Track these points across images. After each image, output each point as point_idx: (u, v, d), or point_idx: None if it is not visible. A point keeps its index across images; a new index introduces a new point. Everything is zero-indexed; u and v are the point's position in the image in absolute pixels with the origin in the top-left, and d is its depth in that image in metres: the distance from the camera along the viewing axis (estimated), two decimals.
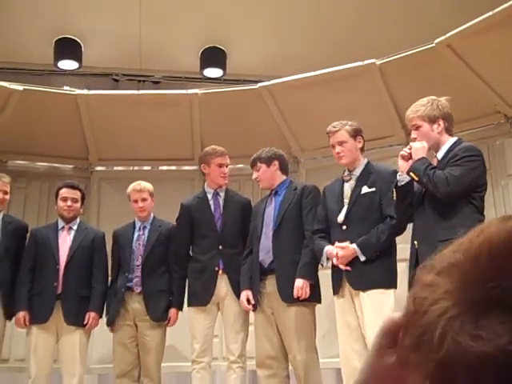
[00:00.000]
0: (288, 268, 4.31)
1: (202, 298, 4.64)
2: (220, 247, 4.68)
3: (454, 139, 3.71)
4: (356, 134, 4.20)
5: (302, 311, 4.31)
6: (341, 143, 4.17)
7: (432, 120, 3.69)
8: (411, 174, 3.55)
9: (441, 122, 3.69)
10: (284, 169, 4.66)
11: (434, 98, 3.75)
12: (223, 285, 4.63)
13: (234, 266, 4.63)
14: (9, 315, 4.86)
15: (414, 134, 3.76)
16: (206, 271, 4.67)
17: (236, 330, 4.58)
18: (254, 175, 4.62)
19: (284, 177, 4.64)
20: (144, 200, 4.97)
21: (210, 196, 4.87)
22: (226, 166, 4.84)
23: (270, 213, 4.53)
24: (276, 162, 4.60)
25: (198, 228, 4.79)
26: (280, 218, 4.45)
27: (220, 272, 4.63)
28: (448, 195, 3.46)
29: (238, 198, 4.92)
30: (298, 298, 4.21)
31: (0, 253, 4.85)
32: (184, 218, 4.88)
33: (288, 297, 4.25)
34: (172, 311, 4.79)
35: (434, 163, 3.67)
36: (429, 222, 3.57)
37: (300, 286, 4.20)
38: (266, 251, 4.42)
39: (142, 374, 4.80)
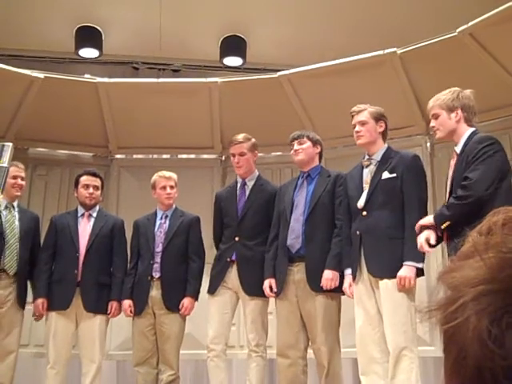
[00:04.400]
0: (318, 256, 4.29)
1: (213, 285, 4.69)
2: (236, 238, 4.68)
3: (470, 130, 3.67)
4: (379, 117, 4.18)
5: (329, 301, 4.30)
6: (362, 123, 4.16)
7: (450, 109, 3.68)
8: (442, 226, 3.50)
9: (459, 112, 3.67)
10: (321, 157, 4.70)
11: (457, 89, 3.75)
12: (235, 275, 4.64)
13: (247, 259, 4.63)
14: (22, 304, 4.87)
15: (432, 123, 3.79)
16: (222, 260, 4.70)
17: (252, 319, 4.58)
18: (297, 146, 4.55)
19: (317, 163, 4.65)
20: (172, 188, 5.02)
21: (238, 185, 4.87)
22: (240, 155, 4.78)
23: (302, 196, 4.49)
24: (319, 147, 4.63)
25: (224, 217, 4.83)
26: (313, 204, 4.41)
27: (233, 263, 4.66)
28: (474, 196, 3.40)
29: (267, 188, 4.86)
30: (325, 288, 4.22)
31: (21, 240, 4.90)
32: (216, 208, 4.93)
33: (317, 286, 4.25)
34: (186, 299, 4.80)
35: (454, 158, 3.67)
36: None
37: (330, 277, 4.20)
38: (295, 236, 4.38)
39: (161, 361, 4.83)
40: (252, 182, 4.85)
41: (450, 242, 3.51)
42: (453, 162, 3.69)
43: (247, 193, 4.82)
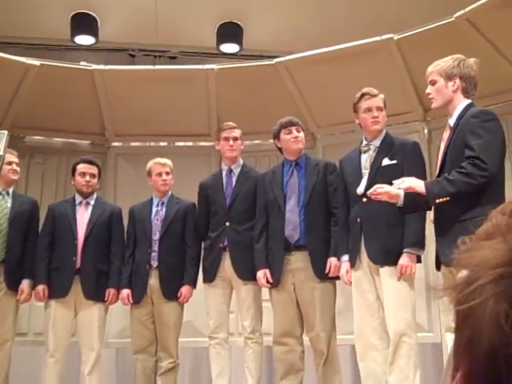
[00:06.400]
0: (319, 244, 4.32)
1: (210, 274, 4.70)
2: (227, 224, 4.69)
3: (466, 102, 3.50)
4: (385, 106, 4.18)
5: (329, 288, 4.33)
6: (379, 109, 4.12)
7: (449, 77, 3.52)
8: (438, 200, 3.29)
9: (457, 81, 3.50)
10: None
11: (460, 56, 3.59)
12: (228, 262, 4.65)
13: (239, 244, 4.64)
14: (15, 290, 4.83)
15: (428, 89, 3.62)
16: (214, 248, 4.70)
17: (246, 306, 4.61)
18: (295, 133, 4.51)
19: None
20: (168, 174, 5.02)
21: (224, 173, 4.87)
22: (234, 139, 4.80)
23: (294, 186, 4.48)
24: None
25: (211, 205, 4.82)
26: (309, 193, 4.41)
27: (225, 250, 4.67)
28: (489, 177, 3.23)
29: (253, 174, 4.87)
30: (327, 274, 4.25)
31: (11, 225, 4.88)
32: (201, 196, 4.92)
33: (320, 273, 4.27)
34: (184, 287, 4.81)
35: (447, 131, 3.55)
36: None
37: (338, 264, 4.21)
38: (292, 226, 4.37)
39: (160, 349, 4.85)
40: (238, 169, 4.86)
41: (440, 223, 3.42)
42: (445, 135, 3.55)
43: (234, 179, 4.82)
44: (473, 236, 0.67)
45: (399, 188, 3.42)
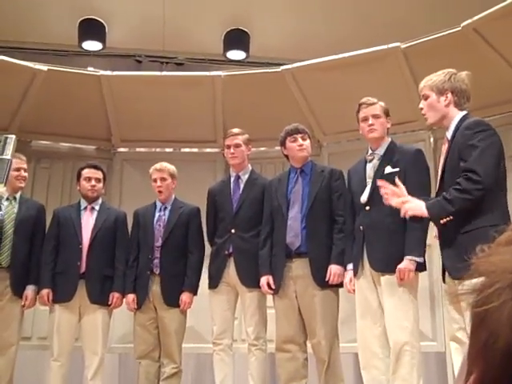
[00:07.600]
0: (321, 252, 4.31)
1: (214, 281, 4.69)
2: (232, 231, 4.69)
3: (461, 114, 3.51)
4: (387, 113, 4.16)
5: (330, 296, 4.33)
6: (376, 117, 4.11)
7: (440, 91, 3.53)
8: (442, 221, 3.32)
9: (449, 95, 3.52)
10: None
11: (451, 70, 3.60)
12: (233, 269, 4.65)
13: (243, 251, 4.64)
14: (20, 295, 4.84)
15: (421, 104, 3.64)
16: (220, 255, 4.71)
17: (250, 313, 4.60)
18: (301, 141, 4.52)
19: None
20: (163, 180, 4.99)
21: (232, 179, 4.88)
22: (236, 147, 4.79)
23: (298, 193, 4.48)
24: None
25: (218, 211, 4.82)
26: (312, 200, 4.41)
27: (230, 257, 4.67)
28: (484, 190, 3.23)
29: (261, 181, 4.86)
30: (328, 282, 4.24)
31: (16, 230, 4.89)
32: (209, 202, 4.92)
33: (322, 281, 4.26)
34: (184, 294, 4.80)
35: (445, 144, 3.55)
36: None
37: (338, 272, 4.21)
38: (294, 233, 4.38)
39: (163, 355, 4.84)
40: (246, 176, 4.85)
41: (444, 236, 3.43)
42: (444, 148, 3.56)
43: (241, 186, 4.82)
44: (492, 244, 0.67)
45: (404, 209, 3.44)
